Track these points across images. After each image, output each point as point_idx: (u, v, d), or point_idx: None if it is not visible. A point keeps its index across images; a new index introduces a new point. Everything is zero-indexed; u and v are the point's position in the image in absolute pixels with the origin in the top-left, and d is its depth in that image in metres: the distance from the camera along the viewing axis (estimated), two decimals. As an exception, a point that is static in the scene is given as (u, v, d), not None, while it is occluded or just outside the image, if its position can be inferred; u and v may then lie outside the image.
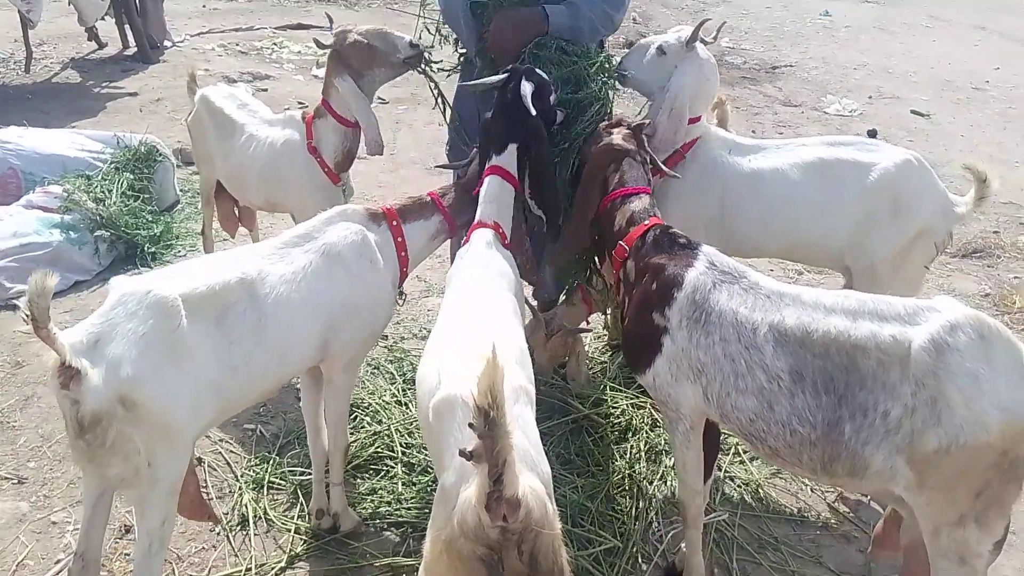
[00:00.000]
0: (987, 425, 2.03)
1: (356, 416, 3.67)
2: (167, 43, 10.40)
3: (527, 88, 2.90)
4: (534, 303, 3.81)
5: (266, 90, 9.04)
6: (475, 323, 2.32)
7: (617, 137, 2.99)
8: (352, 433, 3.55)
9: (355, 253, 2.72)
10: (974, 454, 2.05)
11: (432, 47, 3.64)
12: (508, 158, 2.91)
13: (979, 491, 2.08)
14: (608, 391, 3.81)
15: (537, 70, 3.04)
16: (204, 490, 3.29)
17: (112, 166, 5.48)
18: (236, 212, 4.44)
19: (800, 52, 11.89)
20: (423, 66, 3.55)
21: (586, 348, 3.90)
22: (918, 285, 3.47)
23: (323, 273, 2.61)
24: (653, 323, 2.54)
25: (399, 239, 2.89)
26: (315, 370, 2.86)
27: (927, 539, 2.19)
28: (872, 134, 8.48)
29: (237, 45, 10.76)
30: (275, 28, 11.68)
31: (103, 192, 5.20)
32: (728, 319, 2.39)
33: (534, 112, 2.89)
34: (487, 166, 2.93)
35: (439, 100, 3.69)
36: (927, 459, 2.09)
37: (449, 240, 3.19)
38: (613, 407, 3.73)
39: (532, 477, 1.91)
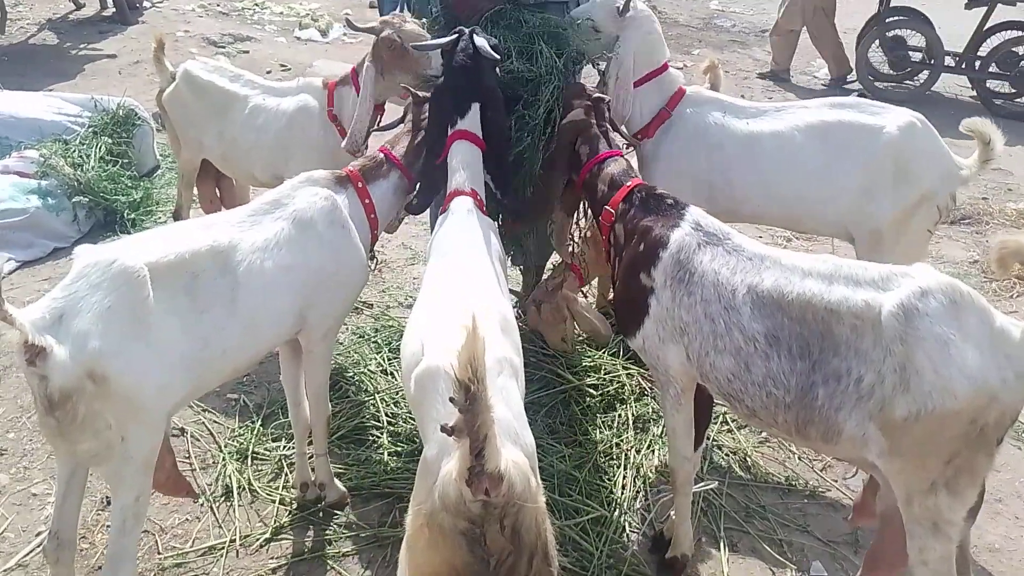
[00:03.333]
0: (955, 392, 2.01)
1: (341, 386, 3.63)
2: (146, 4, 10.18)
3: (482, 40, 2.85)
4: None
5: (248, 52, 8.88)
6: (458, 292, 2.29)
7: (578, 112, 2.97)
8: (337, 403, 3.51)
9: (326, 219, 2.66)
10: (943, 421, 2.03)
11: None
12: (472, 120, 2.85)
13: (949, 459, 2.07)
14: (602, 358, 3.78)
15: (480, 33, 2.95)
16: (187, 461, 3.25)
17: (90, 130, 5.35)
18: (217, 193, 4.32)
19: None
20: None
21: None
22: (923, 250, 3.43)
23: (295, 241, 2.55)
24: (640, 284, 2.55)
25: (367, 201, 2.83)
26: (293, 342, 2.80)
27: (901, 506, 2.18)
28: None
29: (218, 6, 10.54)
30: (257, -12, 11.43)
31: (81, 157, 5.08)
32: (710, 280, 2.39)
33: (497, 56, 2.87)
34: (452, 131, 2.85)
35: None
36: (898, 426, 2.08)
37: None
38: (603, 377, 3.70)
39: (515, 450, 1.88)
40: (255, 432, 3.38)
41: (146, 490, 2.26)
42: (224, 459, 3.25)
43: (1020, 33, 8.04)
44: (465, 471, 1.75)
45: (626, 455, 3.30)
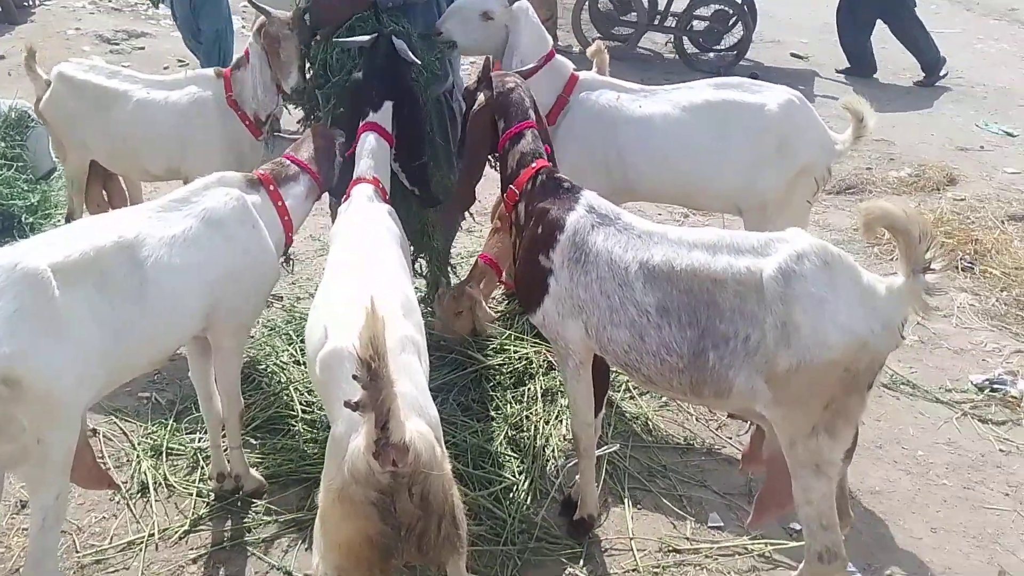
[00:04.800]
0: (831, 344, 2.22)
1: (254, 378, 3.67)
2: (35, 1, 9.81)
3: (401, 43, 2.98)
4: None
5: (143, 48, 8.69)
6: (358, 277, 2.38)
7: (481, 96, 3.00)
8: (251, 395, 3.56)
9: (235, 219, 2.70)
10: (821, 371, 2.24)
11: None
12: (383, 115, 2.97)
13: (827, 404, 2.28)
14: (510, 339, 3.92)
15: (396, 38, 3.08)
16: (101, 460, 3.25)
17: (-23, 133, 5.19)
18: (105, 196, 4.31)
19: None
20: None
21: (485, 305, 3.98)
22: (805, 220, 3.64)
23: (203, 239, 2.59)
24: (540, 265, 2.67)
25: (280, 203, 2.89)
26: (201, 338, 2.84)
27: (785, 451, 2.39)
28: (754, 76, 8.74)
29: (109, 2, 10.23)
30: (150, -17, 11.14)
31: (-29, 161, 4.94)
32: (604, 259, 2.54)
33: (417, 61, 3.01)
34: (363, 123, 2.96)
35: None
36: (781, 377, 2.28)
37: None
38: (513, 356, 3.84)
39: (420, 422, 2.00)
40: (169, 428, 3.40)
41: (65, 488, 2.29)
42: (139, 456, 3.26)
43: None
44: (372, 444, 1.86)
45: (535, 426, 3.44)
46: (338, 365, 2.08)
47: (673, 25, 9.10)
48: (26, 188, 5.05)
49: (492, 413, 3.52)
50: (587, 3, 9.22)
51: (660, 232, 2.53)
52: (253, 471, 3.12)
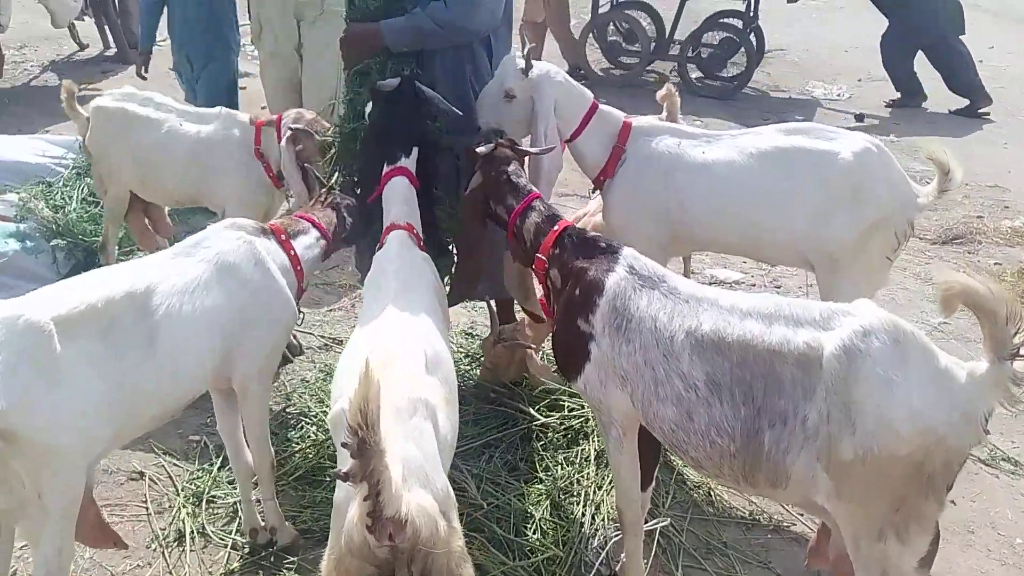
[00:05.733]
0: (900, 434, 1.97)
1: (303, 425, 3.62)
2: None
3: (429, 91, 2.97)
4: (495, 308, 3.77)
5: (244, 88, 8.95)
6: (378, 332, 2.28)
7: (475, 180, 2.88)
8: (299, 443, 3.50)
9: (248, 261, 2.65)
10: (888, 464, 1.99)
11: None
12: (411, 161, 2.91)
13: (896, 505, 2.02)
14: (564, 393, 3.73)
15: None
16: (143, 505, 3.25)
17: (74, 171, 5.39)
18: (148, 225, 4.44)
19: (791, 35, 11.70)
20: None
21: (538, 360, 3.83)
22: (882, 277, 3.38)
23: (217, 283, 2.54)
24: (579, 330, 2.50)
25: (292, 252, 2.85)
26: (226, 390, 2.79)
27: (850, 551, 2.13)
28: (859, 118, 8.35)
29: (219, 42, 10.66)
30: (259, 24, 11.57)
31: (63, 199, 5.12)
32: (647, 326, 2.34)
33: (449, 109, 3.01)
34: (391, 167, 2.90)
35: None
36: (844, 468, 2.03)
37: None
38: (567, 413, 3.65)
39: (423, 494, 1.86)
40: (212, 475, 3.36)
41: (69, 543, 2.24)
42: (180, 503, 3.23)
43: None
44: (364, 516, 1.73)
45: (586, 492, 3.24)
46: (338, 429, 1.98)
47: (677, 53, 9.25)
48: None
49: (540, 475, 3.34)
50: (593, 31, 9.56)
51: (709, 297, 2.32)
52: (287, 524, 3.04)
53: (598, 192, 3.47)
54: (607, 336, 2.42)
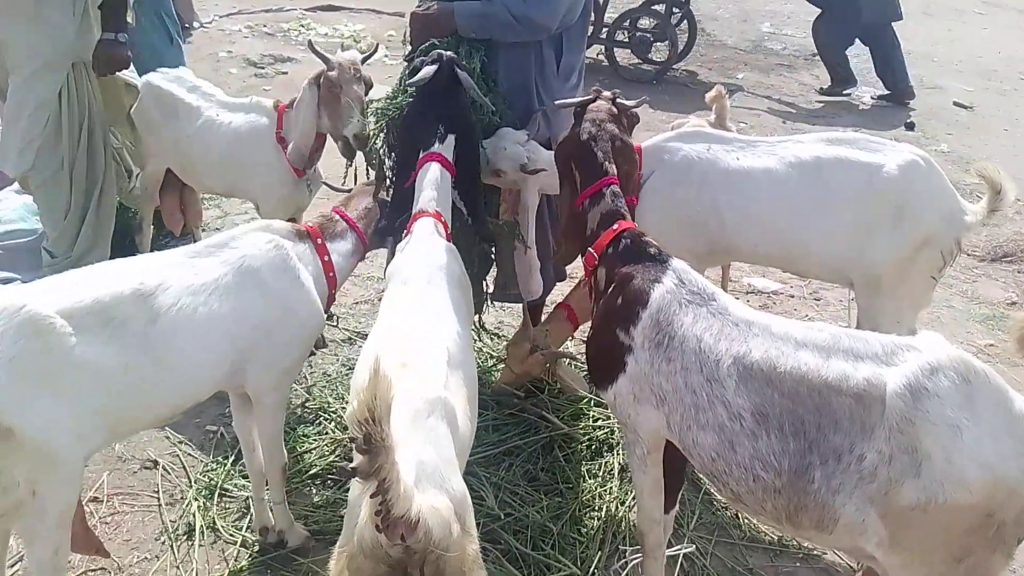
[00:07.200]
0: (969, 484, 1.80)
1: (321, 422, 3.54)
2: (195, 24, 10.34)
3: (465, 75, 2.85)
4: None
5: (286, 73, 8.94)
6: (403, 327, 2.18)
7: (575, 129, 2.68)
8: (315, 440, 3.43)
9: (274, 269, 2.54)
10: (954, 515, 1.82)
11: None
12: (447, 147, 2.79)
13: (960, 558, 1.86)
14: (589, 404, 3.62)
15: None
16: (155, 495, 3.19)
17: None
18: (181, 209, 4.39)
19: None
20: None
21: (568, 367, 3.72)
22: (926, 297, 3.22)
23: (234, 289, 2.43)
24: (617, 339, 2.35)
25: (326, 258, 2.75)
26: (242, 391, 2.70)
27: None
28: (910, 127, 8.10)
29: (264, 26, 10.66)
30: (304, 9, 11.56)
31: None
32: (691, 346, 2.19)
33: (482, 99, 2.92)
34: (426, 152, 2.78)
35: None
36: (902, 516, 1.87)
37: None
38: (593, 423, 3.53)
39: (437, 495, 1.77)
40: (226, 469, 3.29)
41: (65, 543, 2.17)
42: (192, 495, 3.17)
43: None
44: (374, 515, 1.65)
45: (607, 508, 3.12)
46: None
47: (603, 36, 9.09)
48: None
49: (562, 487, 3.22)
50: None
51: (761, 322, 2.15)
52: (298, 526, 2.95)
53: None
54: (646, 351, 2.27)
